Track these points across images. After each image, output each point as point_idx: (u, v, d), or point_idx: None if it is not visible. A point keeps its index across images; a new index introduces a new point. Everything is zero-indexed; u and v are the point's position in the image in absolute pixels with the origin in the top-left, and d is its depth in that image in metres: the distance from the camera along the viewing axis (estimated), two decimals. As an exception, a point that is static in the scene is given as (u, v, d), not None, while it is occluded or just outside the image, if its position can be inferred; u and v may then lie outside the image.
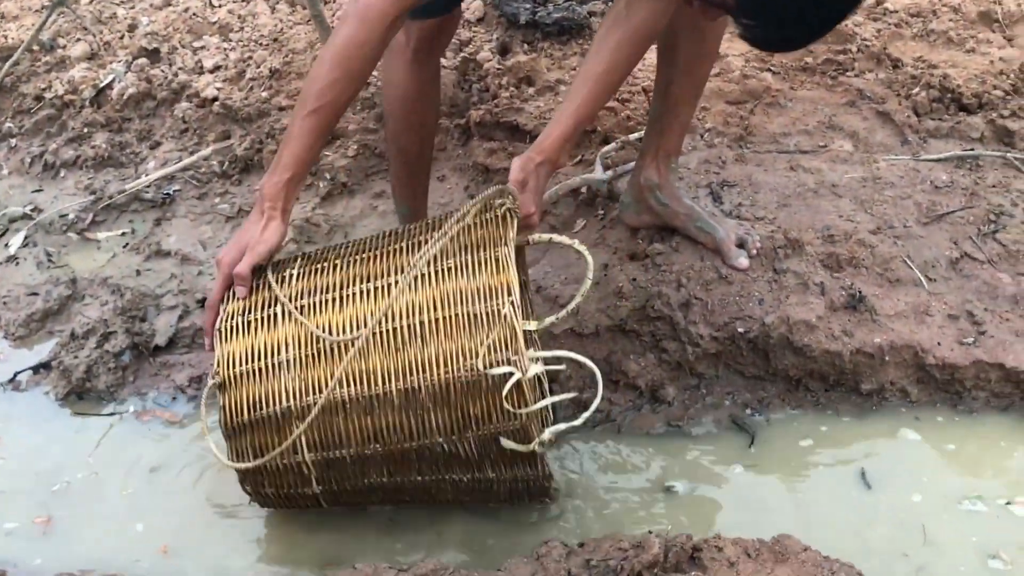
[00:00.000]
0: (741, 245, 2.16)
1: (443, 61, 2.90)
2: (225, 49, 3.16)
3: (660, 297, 2.10)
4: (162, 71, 3.11)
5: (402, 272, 1.67)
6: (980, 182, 2.39)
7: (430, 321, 1.61)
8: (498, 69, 2.84)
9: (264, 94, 2.93)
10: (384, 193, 2.64)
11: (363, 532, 1.86)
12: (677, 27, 1.93)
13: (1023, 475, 1.89)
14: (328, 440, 1.65)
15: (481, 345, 1.57)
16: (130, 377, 2.26)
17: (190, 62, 3.13)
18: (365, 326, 1.62)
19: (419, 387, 1.60)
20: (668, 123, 2.15)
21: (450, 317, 1.61)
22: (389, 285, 1.66)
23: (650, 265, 2.17)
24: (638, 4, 1.78)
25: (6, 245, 2.71)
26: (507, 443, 1.60)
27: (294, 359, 1.66)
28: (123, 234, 2.72)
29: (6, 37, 3.35)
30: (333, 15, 3.04)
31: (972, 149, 2.51)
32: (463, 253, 1.67)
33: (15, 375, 2.29)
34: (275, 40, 3.14)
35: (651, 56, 2.18)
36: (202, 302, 2.35)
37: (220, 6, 3.40)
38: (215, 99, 2.95)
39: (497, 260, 1.64)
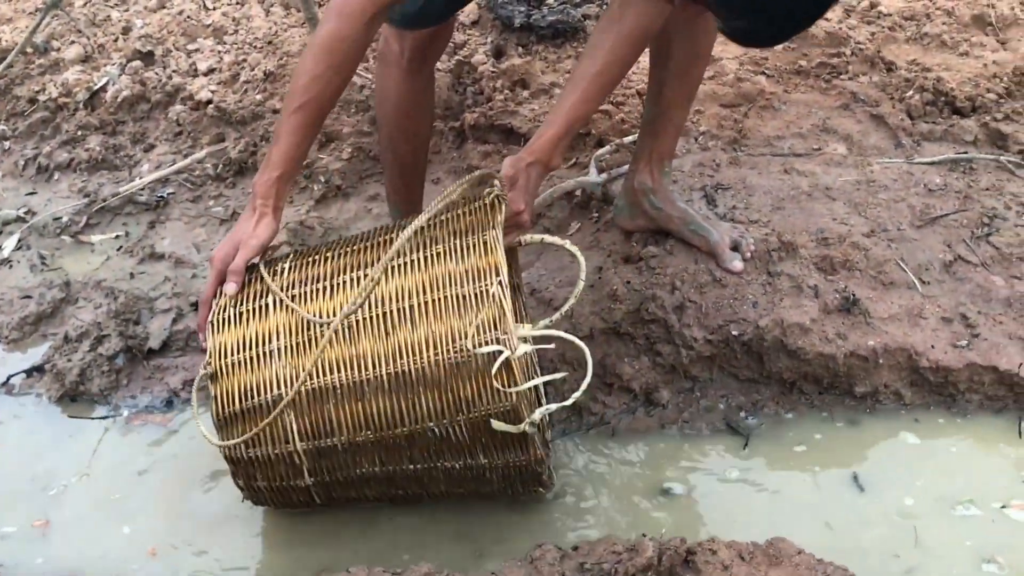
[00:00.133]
0: (735, 248, 2.16)
1: (438, 64, 2.91)
2: (219, 52, 3.16)
3: (654, 300, 2.10)
4: (156, 74, 3.10)
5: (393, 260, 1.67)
6: (973, 185, 2.39)
7: (419, 304, 1.62)
8: (492, 72, 2.84)
9: (258, 97, 2.93)
10: (379, 196, 2.64)
11: (356, 535, 1.86)
12: (670, 30, 1.93)
13: (1018, 478, 1.89)
14: (319, 428, 1.66)
15: (470, 325, 1.57)
16: (123, 380, 2.25)
17: (184, 65, 3.13)
18: (356, 306, 1.63)
19: (409, 370, 1.61)
20: (661, 126, 2.15)
21: (439, 300, 1.62)
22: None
23: (644, 268, 2.17)
24: (632, 6, 1.78)
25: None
26: (498, 424, 1.60)
27: (285, 347, 1.67)
28: (117, 237, 2.71)
29: (0, 39, 3.35)
30: (327, 18, 3.04)
31: (966, 152, 2.52)
32: (452, 239, 1.68)
33: (8, 378, 2.28)
34: (269, 43, 3.14)
35: (645, 59, 2.19)
36: (196, 305, 2.34)
37: (214, 9, 3.40)
38: (209, 102, 2.95)
39: (485, 243, 1.64)
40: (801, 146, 2.56)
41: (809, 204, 2.32)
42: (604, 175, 2.45)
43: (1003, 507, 1.83)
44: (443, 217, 1.73)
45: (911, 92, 2.68)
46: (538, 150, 1.80)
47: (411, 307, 1.63)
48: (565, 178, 2.49)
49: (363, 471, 1.72)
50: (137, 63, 3.15)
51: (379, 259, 1.69)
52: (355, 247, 1.78)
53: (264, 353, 1.67)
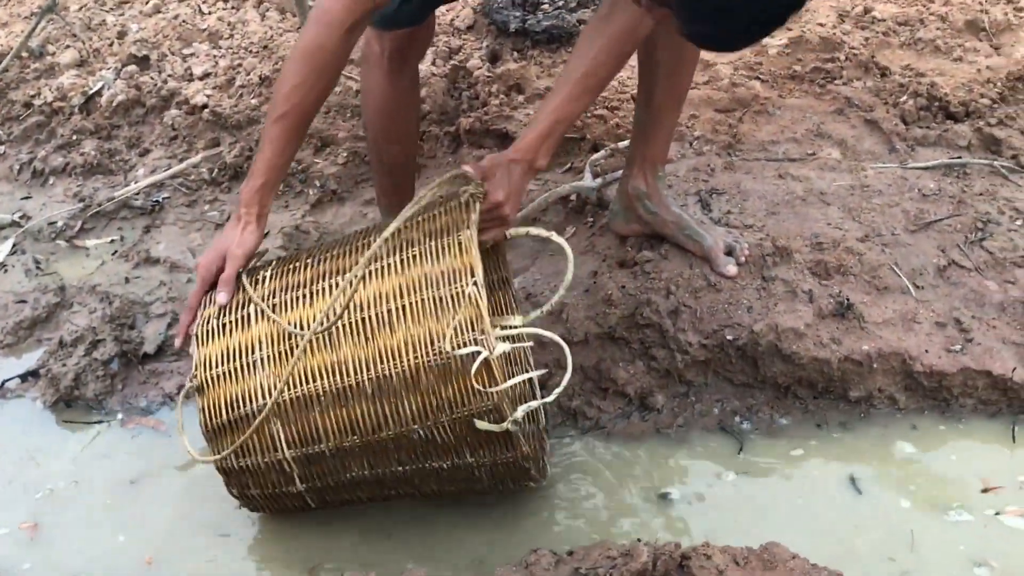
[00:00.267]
0: (729, 253, 2.16)
1: (434, 69, 2.91)
2: (215, 56, 3.16)
3: (649, 305, 2.10)
4: (151, 78, 3.10)
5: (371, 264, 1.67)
6: (967, 190, 2.40)
7: (397, 308, 1.63)
8: (488, 77, 2.84)
9: (254, 101, 2.93)
10: (374, 200, 2.63)
11: (350, 541, 1.86)
12: (656, 34, 1.93)
13: (1012, 483, 1.89)
14: (306, 435, 1.67)
15: (448, 327, 1.58)
16: (118, 385, 2.25)
17: (180, 69, 3.13)
18: (330, 317, 1.63)
19: (390, 374, 1.61)
20: (653, 131, 2.15)
21: (417, 303, 1.62)
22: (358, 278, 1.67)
23: (639, 273, 2.17)
24: (620, 8, 1.78)
25: (-6, 252, 2.71)
26: (481, 424, 1.61)
27: (268, 356, 1.68)
28: (112, 241, 2.71)
29: (-5, 44, 3.35)
30: (323, 22, 3.04)
31: (959, 157, 2.53)
32: (427, 240, 1.69)
33: (3, 383, 2.28)
34: (265, 47, 3.14)
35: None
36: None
37: (210, 13, 3.40)
38: (204, 106, 2.95)
39: (460, 244, 1.65)
40: (795, 151, 2.57)
41: (803, 209, 2.33)
42: (599, 180, 2.45)
43: (997, 513, 1.83)
44: (419, 218, 1.73)
45: (905, 97, 2.68)
46: (522, 148, 1.80)
47: (389, 311, 1.63)
48: (560, 183, 2.50)
49: (353, 475, 1.73)
50: (132, 67, 3.15)
51: (358, 263, 1.70)
52: (335, 252, 1.79)
53: (248, 364, 1.68)
